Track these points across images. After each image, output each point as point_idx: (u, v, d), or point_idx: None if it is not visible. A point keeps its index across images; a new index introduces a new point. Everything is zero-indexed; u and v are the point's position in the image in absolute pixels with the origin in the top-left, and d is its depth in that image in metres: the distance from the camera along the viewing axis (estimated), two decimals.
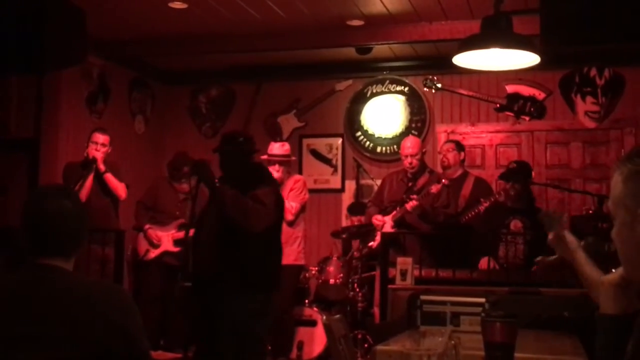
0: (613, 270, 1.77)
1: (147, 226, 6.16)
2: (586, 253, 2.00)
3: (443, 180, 5.41)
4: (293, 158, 6.13)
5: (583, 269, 2.46)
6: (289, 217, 5.79)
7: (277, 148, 5.95)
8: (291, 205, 5.80)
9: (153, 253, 6.11)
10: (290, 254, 5.77)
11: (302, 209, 5.94)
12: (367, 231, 5.97)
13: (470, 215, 5.51)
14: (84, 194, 5.51)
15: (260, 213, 4.06)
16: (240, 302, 4.03)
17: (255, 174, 4.31)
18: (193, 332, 4.53)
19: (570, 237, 2.58)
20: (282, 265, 4.42)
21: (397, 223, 5.53)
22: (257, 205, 4.06)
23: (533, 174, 5.50)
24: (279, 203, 4.32)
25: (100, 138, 5.77)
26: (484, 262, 4.98)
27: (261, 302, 4.11)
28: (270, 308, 4.21)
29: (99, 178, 5.73)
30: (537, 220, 4.99)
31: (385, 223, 5.57)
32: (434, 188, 5.35)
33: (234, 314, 4.03)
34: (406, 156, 5.61)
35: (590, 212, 5.51)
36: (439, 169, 6.21)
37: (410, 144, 5.69)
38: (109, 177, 5.78)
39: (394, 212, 5.55)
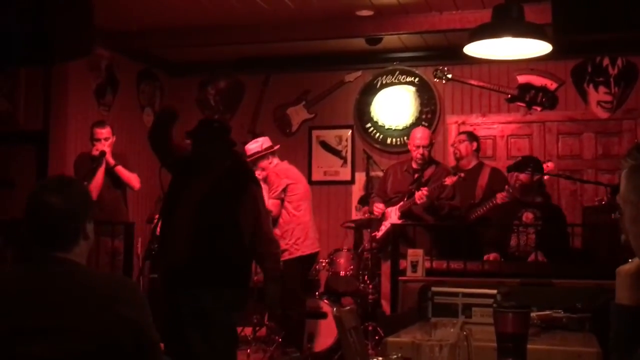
0: (630, 260, 1.73)
1: None
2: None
3: (460, 174, 5.35)
4: (276, 147, 5.79)
5: None
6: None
7: (251, 145, 5.76)
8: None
9: None
10: (285, 248, 5.62)
11: (281, 202, 5.65)
12: (374, 222, 5.92)
13: (480, 212, 5.44)
14: (95, 187, 5.50)
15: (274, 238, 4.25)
16: (210, 296, 3.84)
17: (246, 168, 4.21)
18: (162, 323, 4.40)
19: None
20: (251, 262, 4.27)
21: (405, 214, 5.48)
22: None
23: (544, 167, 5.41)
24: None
25: (102, 132, 5.70)
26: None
27: (231, 296, 3.89)
28: (242, 303, 4.04)
29: (110, 171, 5.71)
30: (549, 212, 5.00)
31: (384, 211, 5.54)
32: (449, 180, 5.29)
33: (202, 307, 3.84)
34: (418, 147, 5.54)
35: (603, 202, 5.47)
36: (451, 161, 6.15)
37: (421, 135, 5.63)
38: (121, 170, 5.76)
39: (402, 203, 5.50)
